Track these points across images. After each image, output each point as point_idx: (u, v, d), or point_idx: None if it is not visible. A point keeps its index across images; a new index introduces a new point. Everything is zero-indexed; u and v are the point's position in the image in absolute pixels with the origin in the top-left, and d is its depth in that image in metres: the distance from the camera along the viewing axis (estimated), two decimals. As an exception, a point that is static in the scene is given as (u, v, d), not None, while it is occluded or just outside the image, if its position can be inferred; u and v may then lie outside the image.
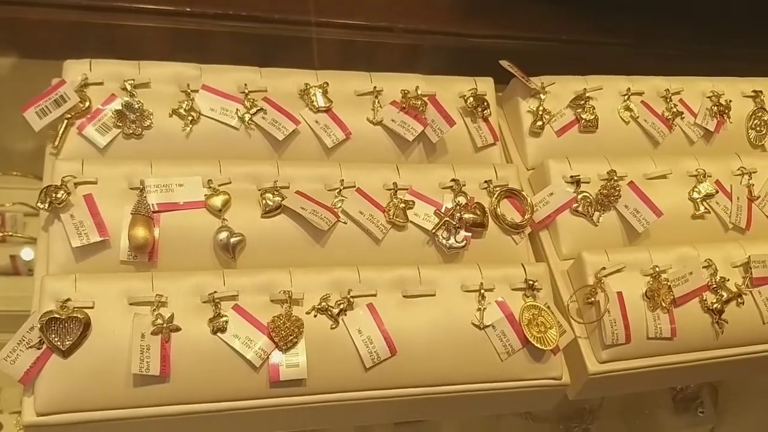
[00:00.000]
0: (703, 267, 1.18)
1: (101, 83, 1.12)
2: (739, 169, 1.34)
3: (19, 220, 1.57)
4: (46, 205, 0.99)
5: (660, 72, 1.42)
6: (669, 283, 1.14)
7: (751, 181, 1.34)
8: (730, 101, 1.43)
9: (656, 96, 1.39)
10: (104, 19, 1.40)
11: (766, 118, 1.47)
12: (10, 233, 1.56)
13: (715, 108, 1.41)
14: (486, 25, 1.52)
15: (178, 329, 0.95)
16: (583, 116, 1.31)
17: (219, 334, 0.96)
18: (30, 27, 1.39)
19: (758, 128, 1.46)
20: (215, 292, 0.97)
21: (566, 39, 1.55)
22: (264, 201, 1.07)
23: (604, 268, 1.12)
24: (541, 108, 1.30)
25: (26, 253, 1.54)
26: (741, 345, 1.19)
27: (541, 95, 1.31)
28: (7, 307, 1.47)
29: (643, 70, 1.41)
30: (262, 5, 1.44)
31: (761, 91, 1.48)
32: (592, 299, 1.11)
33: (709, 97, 1.42)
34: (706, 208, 1.28)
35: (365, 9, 1.49)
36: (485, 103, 1.26)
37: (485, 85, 1.28)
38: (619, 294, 1.11)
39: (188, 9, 1.40)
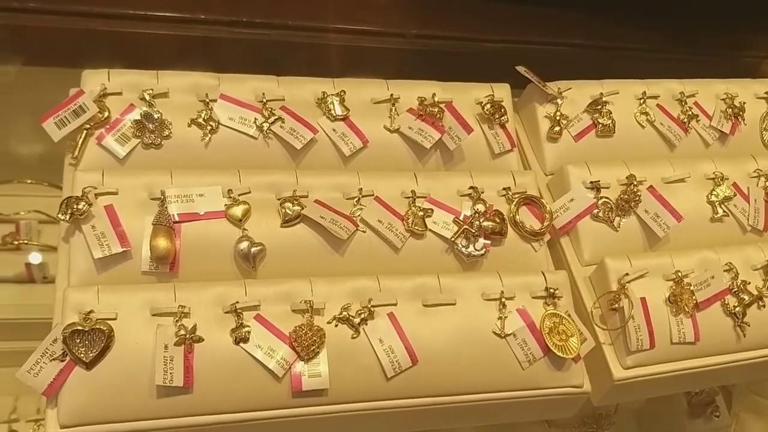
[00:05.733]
0: (724, 270, 1.18)
1: (120, 93, 1.11)
2: (755, 171, 1.34)
3: (34, 227, 1.57)
4: (68, 216, 0.99)
5: (674, 75, 1.42)
6: (691, 288, 1.14)
7: (767, 183, 1.34)
8: (744, 103, 1.43)
9: (671, 99, 1.39)
10: (116, 26, 1.39)
11: (779, 120, 1.47)
12: (25, 241, 1.56)
13: (729, 110, 1.41)
14: (500, 30, 1.52)
15: (201, 340, 0.95)
16: (600, 121, 1.30)
17: (241, 344, 0.96)
18: (40, 34, 1.38)
19: (772, 130, 1.46)
20: (237, 302, 0.97)
21: (580, 44, 1.55)
22: (283, 210, 1.06)
23: (627, 274, 1.12)
24: (558, 113, 1.29)
25: (34, 257, 1.53)
26: (763, 347, 1.19)
27: (558, 100, 1.30)
28: (21, 315, 1.47)
29: (657, 74, 1.41)
30: (275, 12, 1.43)
31: (774, 93, 1.47)
32: (616, 305, 1.10)
33: (723, 99, 1.42)
34: (724, 211, 1.28)
35: (379, 15, 1.49)
36: (502, 110, 1.25)
37: (502, 91, 1.28)
38: (643, 300, 1.11)
39: (202, 16, 1.40)
